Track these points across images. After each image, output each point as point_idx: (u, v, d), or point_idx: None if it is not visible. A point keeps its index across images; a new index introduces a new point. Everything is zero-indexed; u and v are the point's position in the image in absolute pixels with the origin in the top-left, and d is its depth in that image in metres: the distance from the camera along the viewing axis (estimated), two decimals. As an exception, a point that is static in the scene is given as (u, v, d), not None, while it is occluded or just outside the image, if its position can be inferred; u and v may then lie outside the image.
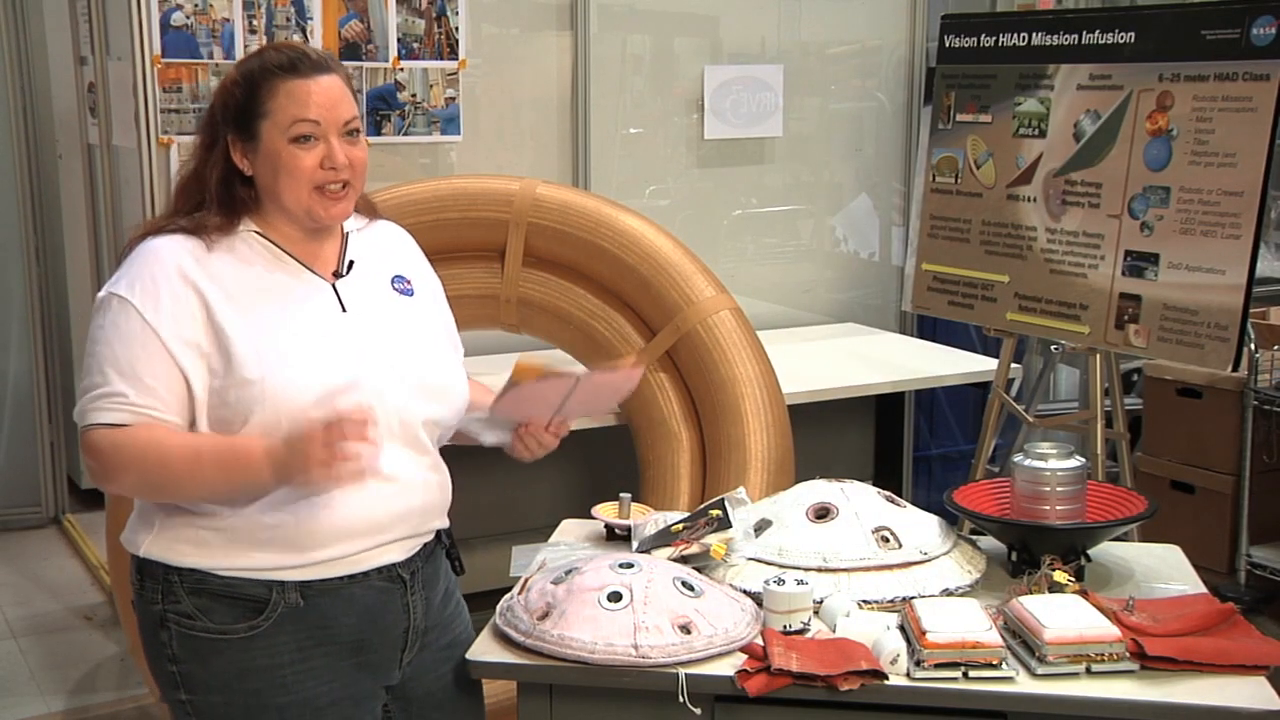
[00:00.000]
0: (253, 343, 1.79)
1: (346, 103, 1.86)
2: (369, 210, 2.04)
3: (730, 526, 2.05)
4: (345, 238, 1.96)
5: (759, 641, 1.83)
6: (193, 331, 1.79)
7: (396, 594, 1.92)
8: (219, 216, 1.86)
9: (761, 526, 2.10)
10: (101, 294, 1.83)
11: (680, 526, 2.10)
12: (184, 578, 1.83)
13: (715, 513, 2.08)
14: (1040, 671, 1.77)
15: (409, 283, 2.00)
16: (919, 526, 2.08)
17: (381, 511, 1.87)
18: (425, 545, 1.97)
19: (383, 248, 2.01)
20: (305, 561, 1.83)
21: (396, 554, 1.91)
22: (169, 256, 1.82)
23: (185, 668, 1.84)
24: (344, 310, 1.89)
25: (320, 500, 1.80)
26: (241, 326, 1.80)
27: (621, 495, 2.28)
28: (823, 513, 2.08)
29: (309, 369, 1.80)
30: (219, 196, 1.86)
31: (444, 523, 2.02)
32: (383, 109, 3.50)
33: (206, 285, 1.81)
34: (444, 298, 2.10)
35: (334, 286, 1.90)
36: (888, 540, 2.03)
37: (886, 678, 1.76)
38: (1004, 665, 1.77)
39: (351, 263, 1.94)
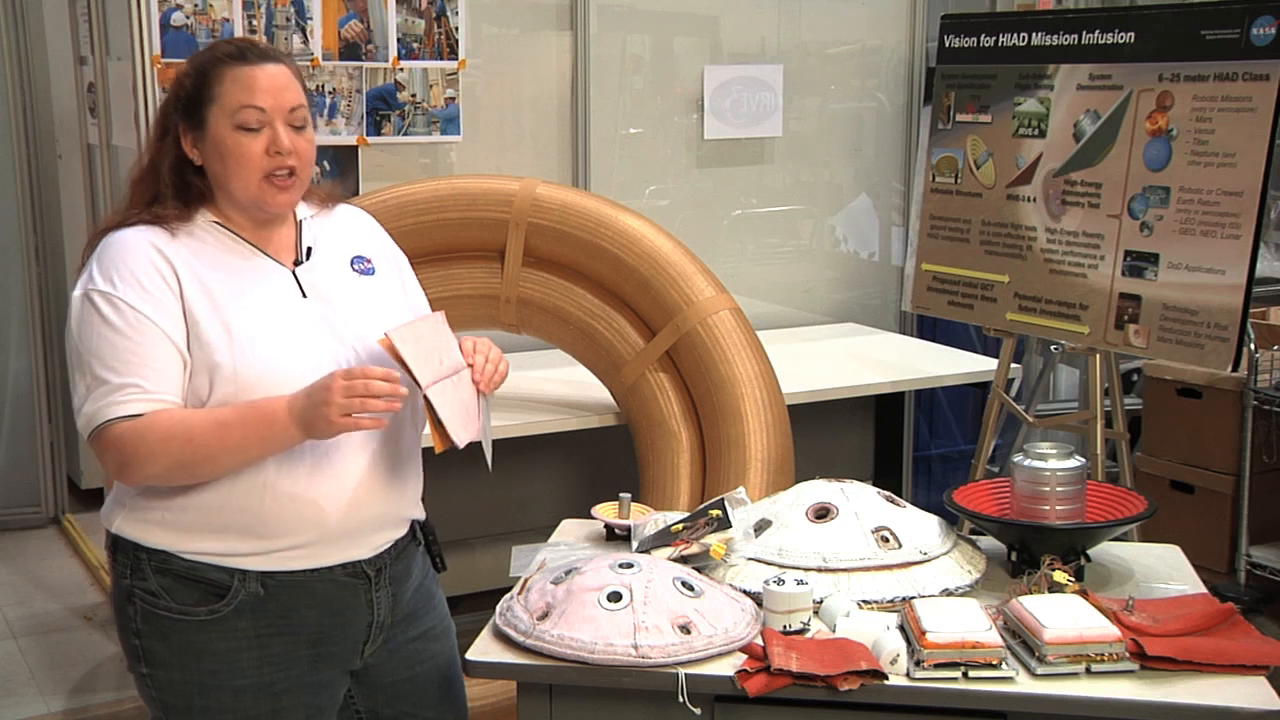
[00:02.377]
0: (220, 328, 1.82)
1: (293, 91, 1.87)
2: (326, 199, 2.05)
3: (730, 526, 2.05)
4: (299, 225, 1.98)
5: (759, 641, 1.83)
6: (176, 313, 1.82)
7: (360, 589, 1.94)
8: (175, 205, 1.88)
9: (761, 526, 2.10)
10: (78, 292, 1.84)
11: (680, 526, 2.10)
12: (151, 556, 1.87)
13: (715, 513, 2.09)
14: (1040, 671, 1.77)
15: (369, 262, 2.01)
16: (919, 526, 2.08)
17: (346, 500, 1.87)
18: (396, 542, 1.98)
19: (340, 231, 2.03)
20: (265, 550, 1.86)
21: (363, 550, 1.92)
22: (137, 245, 1.84)
23: (148, 643, 1.88)
24: (304, 295, 1.91)
25: (285, 489, 1.83)
26: (208, 312, 1.82)
27: (621, 495, 2.28)
28: (822, 513, 2.08)
29: (271, 353, 1.83)
30: (173, 184, 1.88)
31: (416, 512, 2.03)
32: (382, 109, 3.50)
33: (176, 270, 1.83)
34: (410, 274, 2.11)
35: (294, 273, 1.92)
36: (887, 540, 2.03)
37: (886, 678, 1.77)
38: (1004, 665, 1.77)
39: (309, 249, 1.96)
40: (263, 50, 1.88)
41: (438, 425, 1.83)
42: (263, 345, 1.82)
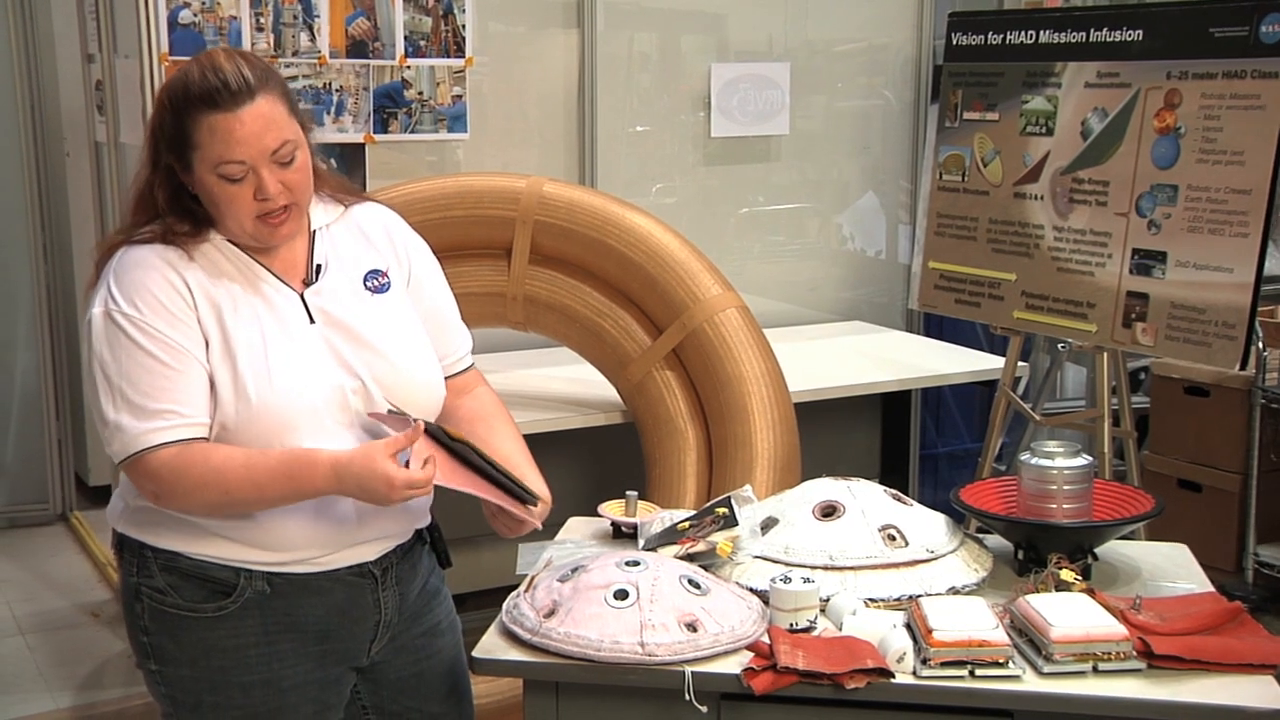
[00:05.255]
0: (228, 362, 1.81)
1: (274, 129, 1.79)
2: (343, 195, 2.00)
3: (736, 524, 2.05)
4: (313, 236, 1.94)
5: (765, 639, 1.83)
6: (198, 335, 1.81)
7: (367, 589, 1.94)
8: (185, 226, 1.86)
9: (768, 524, 2.10)
10: (98, 311, 1.81)
11: (687, 524, 2.10)
12: (157, 554, 1.87)
13: (721, 511, 2.08)
14: (1047, 670, 1.77)
15: (384, 276, 1.97)
16: (925, 525, 2.08)
17: (354, 520, 1.88)
18: (403, 543, 1.99)
19: (357, 239, 1.98)
20: (274, 559, 1.87)
21: (368, 553, 1.93)
22: (154, 266, 1.82)
23: (156, 640, 1.89)
24: (311, 321, 1.88)
25: (294, 506, 1.83)
26: (218, 342, 1.82)
27: (628, 493, 2.28)
28: (829, 511, 2.08)
29: (274, 393, 1.81)
30: (174, 212, 1.86)
31: (424, 522, 2.03)
32: (389, 107, 3.50)
33: (193, 293, 1.83)
34: (430, 272, 2.05)
35: (301, 297, 1.89)
36: (894, 538, 2.03)
37: (893, 676, 1.76)
38: (1010, 664, 1.77)
39: (319, 267, 1.92)
40: (235, 89, 1.76)
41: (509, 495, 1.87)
42: (267, 383, 1.81)
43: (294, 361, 1.84)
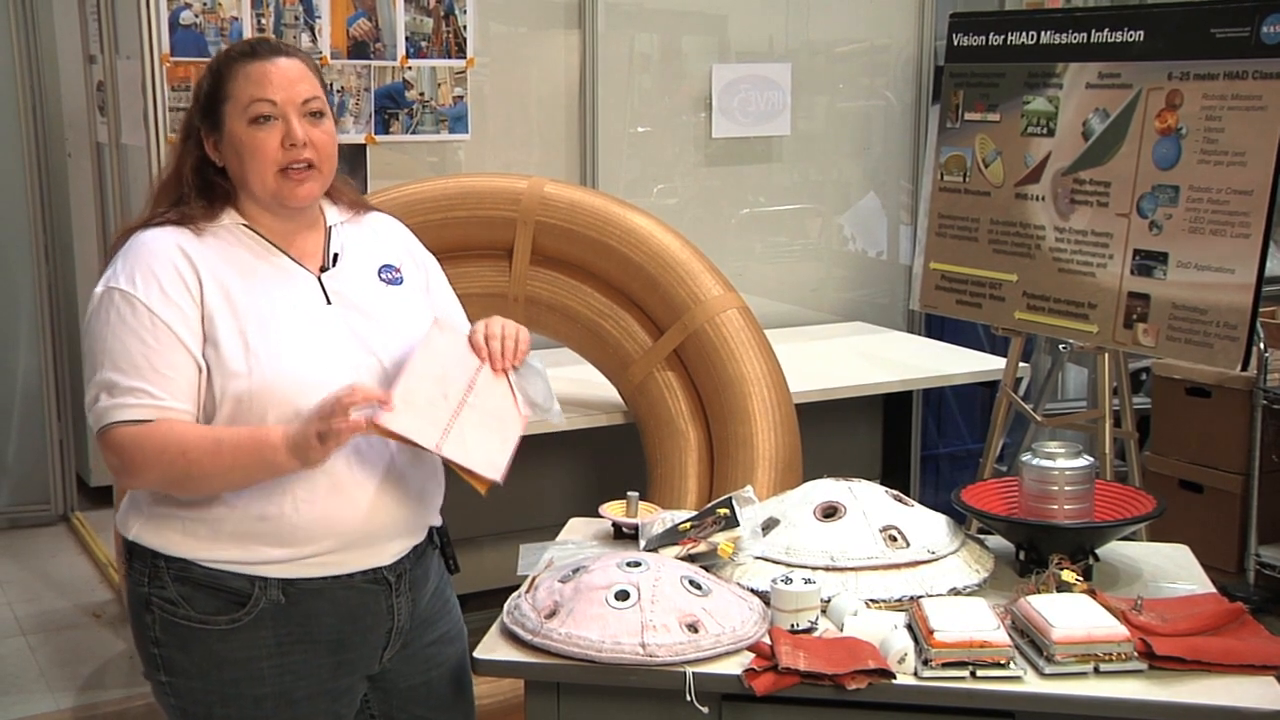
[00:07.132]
0: (240, 335, 1.82)
1: (306, 82, 1.87)
2: (357, 205, 2.04)
3: (738, 525, 2.05)
4: (329, 231, 1.97)
5: (766, 640, 1.83)
6: (195, 319, 1.82)
7: (381, 595, 1.94)
8: (200, 204, 1.88)
9: (769, 525, 2.10)
10: (99, 289, 1.84)
11: (688, 525, 2.10)
12: (170, 564, 1.86)
13: (723, 511, 2.08)
14: (1048, 671, 1.77)
15: (397, 271, 2.00)
16: (927, 525, 2.08)
17: (368, 506, 1.87)
18: (415, 547, 1.99)
19: (371, 238, 2.02)
20: (289, 557, 1.85)
21: (384, 557, 1.93)
22: (162, 248, 1.84)
23: (166, 651, 1.87)
24: (328, 303, 1.90)
25: (306, 495, 1.82)
26: (229, 318, 1.82)
27: (629, 494, 2.28)
28: (830, 511, 2.08)
29: (290, 362, 1.82)
30: (195, 184, 1.89)
31: (436, 519, 2.03)
32: (391, 107, 3.50)
33: (200, 274, 1.83)
34: (442, 279, 2.10)
35: (319, 279, 1.92)
36: (895, 539, 2.03)
37: (894, 677, 1.76)
38: (1012, 665, 1.77)
39: (336, 255, 1.95)
40: (274, 45, 1.89)
41: (467, 472, 1.83)
42: (281, 353, 1.82)
43: (310, 337, 1.85)
